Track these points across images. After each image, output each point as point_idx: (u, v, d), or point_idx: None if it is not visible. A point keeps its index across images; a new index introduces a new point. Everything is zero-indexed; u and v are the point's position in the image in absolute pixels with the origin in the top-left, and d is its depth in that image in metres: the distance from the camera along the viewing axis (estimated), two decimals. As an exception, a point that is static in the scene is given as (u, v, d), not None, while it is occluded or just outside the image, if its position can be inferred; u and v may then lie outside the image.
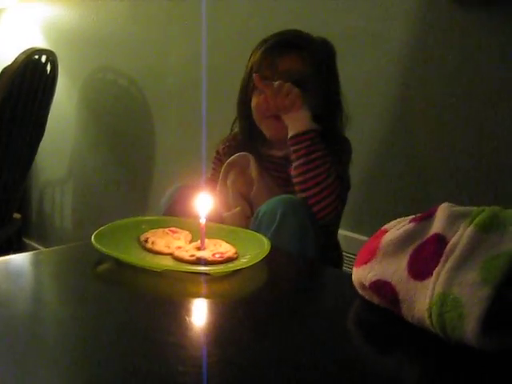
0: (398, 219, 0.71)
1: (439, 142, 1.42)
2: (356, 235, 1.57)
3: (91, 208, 2.62)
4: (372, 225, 1.48)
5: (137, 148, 2.35)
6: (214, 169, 1.40)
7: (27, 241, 2.98)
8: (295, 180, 1.21)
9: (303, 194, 1.19)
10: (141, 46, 2.26)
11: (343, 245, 1.40)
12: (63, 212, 2.81)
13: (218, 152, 1.40)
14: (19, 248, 2.86)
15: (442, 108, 1.41)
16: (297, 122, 1.21)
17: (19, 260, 0.91)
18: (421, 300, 0.62)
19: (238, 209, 1.27)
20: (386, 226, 0.72)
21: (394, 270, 0.66)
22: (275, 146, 1.32)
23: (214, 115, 1.78)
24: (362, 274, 0.71)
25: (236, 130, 1.40)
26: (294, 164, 1.21)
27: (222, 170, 1.31)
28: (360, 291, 0.73)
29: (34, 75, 2.08)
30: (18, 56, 1.98)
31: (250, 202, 1.28)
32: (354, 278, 0.74)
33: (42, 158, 2.72)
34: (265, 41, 1.29)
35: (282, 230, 1.09)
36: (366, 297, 0.72)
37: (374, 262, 0.69)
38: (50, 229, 2.90)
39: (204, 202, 0.84)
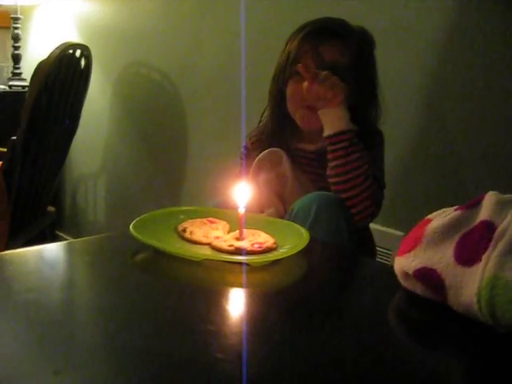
0: (443, 209, 0.70)
1: (476, 137, 1.39)
2: (389, 229, 1.55)
3: (124, 202, 2.64)
4: (406, 219, 1.47)
5: (170, 142, 2.35)
6: (242, 164, 1.36)
7: (61, 234, 3.02)
8: (331, 180, 1.18)
9: (339, 196, 1.16)
10: (174, 40, 2.26)
11: (375, 239, 1.38)
12: (96, 206, 2.83)
13: (246, 147, 1.36)
14: (53, 240, 2.90)
15: (478, 101, 1.38)
16: (335, 120, 1.17)
17: (54, 249, 0.92)
18: (469, 285, 0.60)
19: (271, 210, 1.23)
20: (429, 216, 0.71)
21: (440, 257, 0.65)
22: (306, 139, 1.29)
23: (249, 109, 1.77)
24: (405, 263, 0.70)
25: (265, 121, 1.35)
26: (331, 164, 1.18)
27: (253, 166, 1.27)
28: (402, 281, 0.72)
29: (68, 69, 2.09)
30: (53, 51, 2.00)
31: (284, 200, 1.25)
32: (396, 267, 0.72)
33: (76, 151, 2.74)
34: (303, 27, 1.25)
35: (316, 226, 1.07)
36: (409, 287, 0.71)
37: (419, 250, 0.68)
38: (84, 222, 2.92)
39: (242, 192, 0.84)
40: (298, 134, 1.30)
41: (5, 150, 1.99)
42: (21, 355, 0.54)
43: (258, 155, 1.27)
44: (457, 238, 0.64)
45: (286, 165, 1.24)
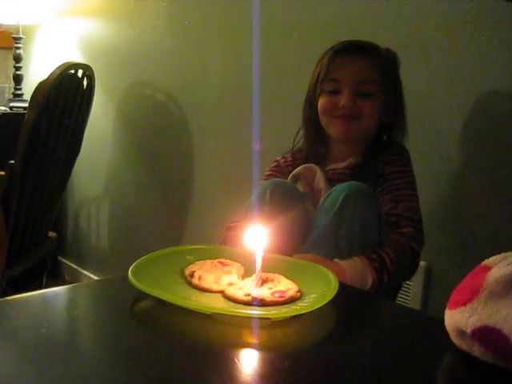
0: (503, 253, 0.58)
1: None
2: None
3: (128, 226, 2.54)
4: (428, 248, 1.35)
5: (175, 165, 2.26)
6: (270, 175, 1.34)
7: (63, 259, 2.92)
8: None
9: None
10: (178, 60, 2.18)
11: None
12: (99, 231, 2.73)
13: (277, 162, 1.35)
14: (54, 267, 2.80)
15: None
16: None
17: (54, 294, 0.81)
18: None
19: None
20: (486, 262, 0.59)
21: (507, 314, 0.53)
22: (337, 159, 1.28)
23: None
24: (459, 318, 0.58)
25: (298, 145, 1.34)
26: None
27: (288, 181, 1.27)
28: (455, 340, 0.60)
29: (69, 90, 2.01)
30: (53, 71, 1.91)
31: None
32: (447, 322, 0.61)
33: (78, 175, 2.65)
34: (332, 46, 1.26)
35: (342, 213, 1.05)
36: (464, 347, 0.59)
37: (477, 304, 0.57)
38: (86, 247, 2.82)
39: (259, 234, 0.72)
40: (329, 156, 1.30)
41: (3, 173, 1.90)
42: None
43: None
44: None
45: (320, 179, 1.24)
